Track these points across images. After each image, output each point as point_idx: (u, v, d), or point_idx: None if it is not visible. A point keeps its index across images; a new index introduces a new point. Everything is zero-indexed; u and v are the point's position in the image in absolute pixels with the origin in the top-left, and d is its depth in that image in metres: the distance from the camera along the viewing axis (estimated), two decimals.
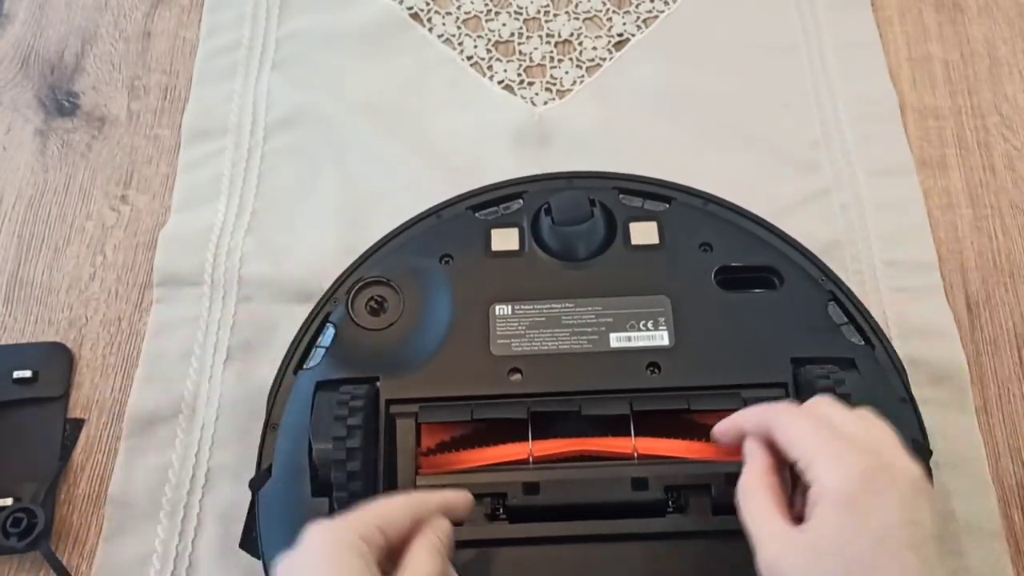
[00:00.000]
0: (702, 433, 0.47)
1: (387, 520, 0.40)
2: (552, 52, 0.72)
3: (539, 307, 0.53)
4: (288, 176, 0.66)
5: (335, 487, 0.46)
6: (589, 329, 0.52)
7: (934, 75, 0.69)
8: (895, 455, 0.36)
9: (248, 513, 0.51)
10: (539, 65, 0.71)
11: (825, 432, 0.37)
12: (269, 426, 0.52)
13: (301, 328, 0.55)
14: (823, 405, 0.41)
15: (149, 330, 0.60)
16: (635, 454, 0.47)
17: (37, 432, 0.57)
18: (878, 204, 0.63)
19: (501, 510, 0.47)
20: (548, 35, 0.72)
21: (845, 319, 0.53)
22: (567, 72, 0.71)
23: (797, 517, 0.38)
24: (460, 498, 0.44)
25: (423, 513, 0.41)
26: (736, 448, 0.46)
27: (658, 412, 0.49)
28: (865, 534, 0.34)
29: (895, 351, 0.53)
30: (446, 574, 0.40)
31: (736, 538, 0.46)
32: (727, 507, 0.47)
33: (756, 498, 0.39)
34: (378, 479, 0.48)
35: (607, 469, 0.48)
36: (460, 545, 0.47)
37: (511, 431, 0.49)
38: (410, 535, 0.40)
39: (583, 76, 0.70)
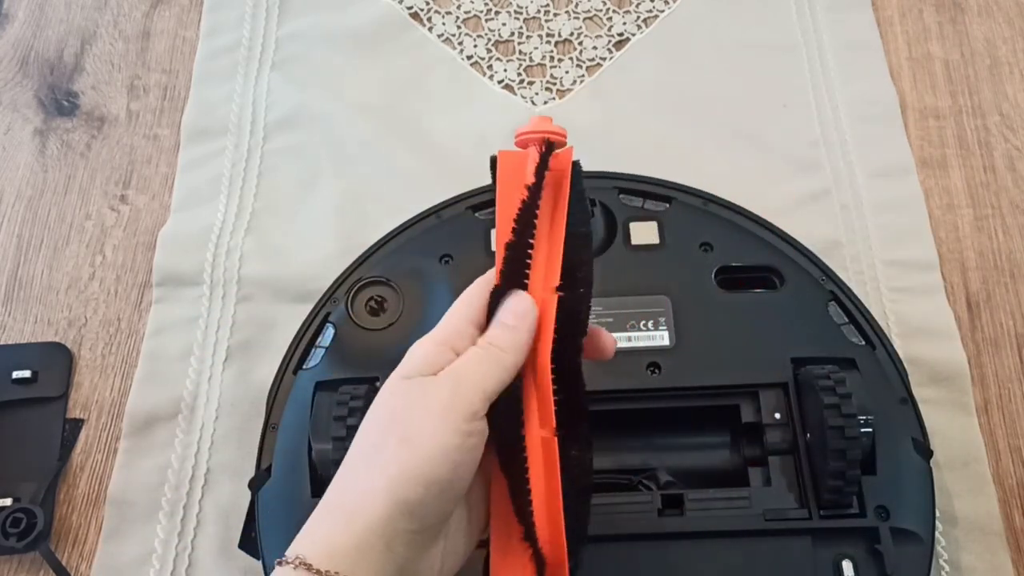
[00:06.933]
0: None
1: (501, 384, 0.37)
2: (552, 52, 0.72)
3: None
4: (288, 176, 0.66)
5: None
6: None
7: (934, 75, 0.69)
8: None
9: (248, 513, 0.51)
10: (539, 65, 0.71)
11: None
12: (269, 426, 0.52)
13: (301, 328, 0.55)
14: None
15: (148, 330, 0.60)
16: None
17: (37, 432, 0.57)
18: (878, 204, 0.63)
19: None
20: (548, 35, 0.72)
21: (845, 319, 0.53)
22: (567, 72, 0.71)
23: None
24: None
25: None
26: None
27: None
28: None
29: (895, 351, 0.53)
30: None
31: (735, 538, 0.47)
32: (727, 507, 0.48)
33: None
34: None
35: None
36: None
37: None
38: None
39: (583, 76, 0.70)
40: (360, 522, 0.34)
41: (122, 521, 0.54)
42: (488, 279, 0.39)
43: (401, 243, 0.58)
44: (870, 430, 0.47)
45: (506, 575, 0.37)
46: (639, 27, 0.72)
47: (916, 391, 0.52)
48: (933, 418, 0.53)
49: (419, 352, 0.38)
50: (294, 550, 0.35)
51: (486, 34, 0.73)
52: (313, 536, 0.35)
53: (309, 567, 0.34)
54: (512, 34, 0.72)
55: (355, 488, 0.36)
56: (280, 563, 0.35)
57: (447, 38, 0.72)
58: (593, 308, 0.53)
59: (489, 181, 0.60)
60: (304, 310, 0.56)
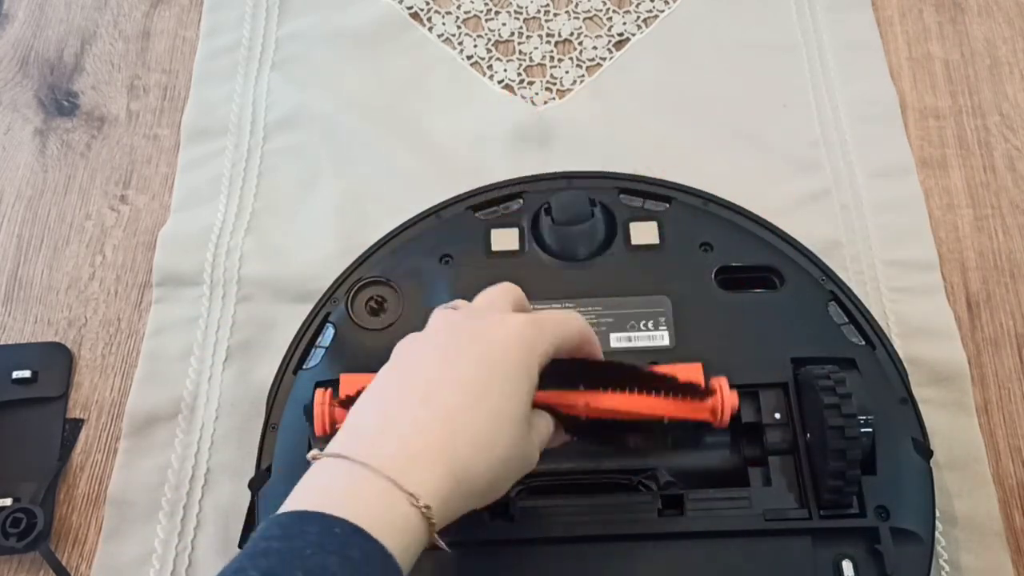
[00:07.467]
0: (656, 383, 0.44)
1: (565, 341, 0.41)
2: (552, 52, 0.72)
3: (539, 307, 0.53)
4: (288, 176, 0.66)
5: None
6: None
7: (934, 75, 0.69)
8: None
9: (248, 513, 0.51)
10: (539, 65, 0.71)
11: None
12: (269, 426, 0.52)
13: (301, 328, 0.55)
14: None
15: (148, 330, 0.60)
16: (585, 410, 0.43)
17: (37, 432, 0.57)
18: (878, 204, 0.63)
19: None
20: (548, 35, 0.72)
21: (845, 319, 0.53)
22: (567, 72, 0.70)
23: None
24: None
25: (587, 343, 0.43)
26: (700, 404, 0.44)
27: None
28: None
29: (895, 351, 0.53)
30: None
31: (735, 538, 0.47)
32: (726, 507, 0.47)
33: None
34: None
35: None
36: (458, 545, 0.47)
37: None
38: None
39: (583, 76, 0.70)
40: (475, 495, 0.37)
41: (122, 521, 0.54)
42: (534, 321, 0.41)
43: (401, 243, 0.58)
44: (870, 430, 0.47)
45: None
46: (639, 27, 0.72)
47: (916, 391, 0.52)
48: (933, 418, 0.53)
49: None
50: (411, 484, 0.34)
51: (486, 34, 0.73)
52: (427, 485, 0.35)
53: (430, 518, 0.34)
54: (512, 34, 0.72)
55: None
56: (403, 492, 0.34)
57: (447, 38, 0.72)
58: (593, 308, 0.53)
59: (489, 181, 0.60)
60: (304, 310, 0.56)
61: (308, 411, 0.46)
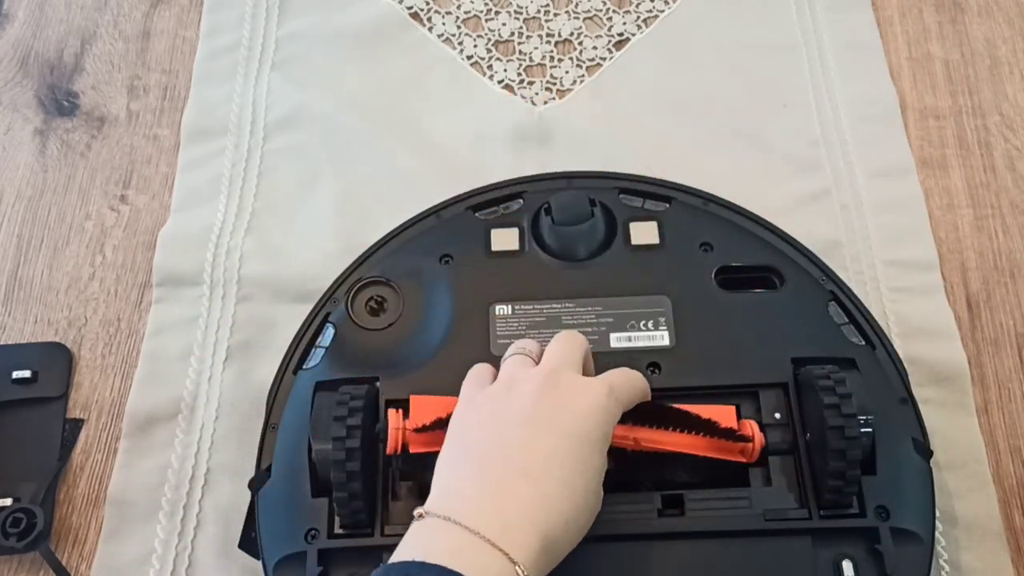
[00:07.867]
0: (700, 427, 0.47)
1: (632, 404, 0.45)
2: (552, 52, 0.72)
3: (539, 307, 0.53)
4: (288, 176, 0.66)
5: (335, 487, 0.46)
6: (589, 329, 0.52)
7: (934, 75, 0.69)
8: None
9: (248, 513, 0.51)
10: (539, 65, 0.71)
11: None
12: (269, 426, 0.52)
13: (301, 328, 0.55)
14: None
15: (148, 330, 0.60)
16: (634, 444, 0.46)
17: (36, 432, 0.57)
18: (878, 204, 0.63)
19: None
20: (548, 35, 0.72)
21: (845, 319, 0.53)
22: (567, 72, 0.70)
23: None
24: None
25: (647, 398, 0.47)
26: (733, 445, 0.47)
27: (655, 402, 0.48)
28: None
29: (896, 351, 0.53)
30: None
31: (735, 538, 0.47)
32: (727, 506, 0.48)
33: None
34: (378, 479, 0.48)
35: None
36: None
37: None
38: None
39: (583, 76, 0.70)
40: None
41: (122, 521, 0.54)
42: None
43: (401, 243, 0.58)
44: (870, 430, 0.47)
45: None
46: (639, 27, 0.72)
47: (916, 391, 0.52)
48: (933, 418, 0.53)
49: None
50: (517, 556, 0.37)
51: (486, 34, 0.73)
52: (528, 558, 0.37)
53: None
54: (512, 34, 0.72)
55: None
56: (492, 543, 0.37)
57: (447, 38, 0.72)
58: (593, 308, 0.53)
59: (489, 181, 0.60)
60: (304, 310, 0.56)
61: (382, 433, 0.47)
